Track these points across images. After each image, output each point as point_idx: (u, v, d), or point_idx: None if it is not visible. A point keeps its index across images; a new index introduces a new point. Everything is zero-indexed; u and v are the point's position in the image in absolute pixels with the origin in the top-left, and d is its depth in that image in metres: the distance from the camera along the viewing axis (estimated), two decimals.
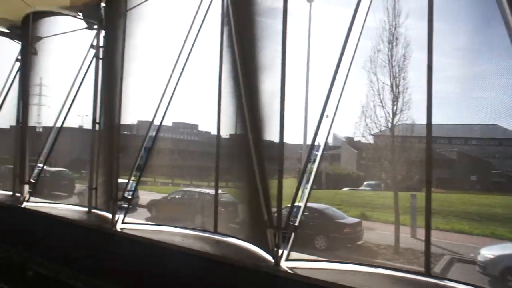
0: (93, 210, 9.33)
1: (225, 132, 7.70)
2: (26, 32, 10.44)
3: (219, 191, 12.43)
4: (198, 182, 17.26)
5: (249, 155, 6.43)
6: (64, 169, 16.20)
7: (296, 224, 5.94)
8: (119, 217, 8.10)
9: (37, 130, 13.80)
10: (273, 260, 5.93)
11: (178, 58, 7.87)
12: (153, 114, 8.13)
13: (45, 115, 14.54)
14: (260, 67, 6.54)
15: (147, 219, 12.72)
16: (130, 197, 8.22)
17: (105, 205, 8.84)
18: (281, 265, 5.85)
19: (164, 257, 7.05)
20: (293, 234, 5.95)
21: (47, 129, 12.28)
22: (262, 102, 6.40)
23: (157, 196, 14.29)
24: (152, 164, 8.76)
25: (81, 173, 17.15)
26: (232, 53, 6.93)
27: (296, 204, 6.06)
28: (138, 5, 8.32)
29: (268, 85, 6.43)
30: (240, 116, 6.83)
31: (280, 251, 5.89)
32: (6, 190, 11.69)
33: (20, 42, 10.85)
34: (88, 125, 13.19)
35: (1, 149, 14.19)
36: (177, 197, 13.31)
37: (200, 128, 20.77)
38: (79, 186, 16.39)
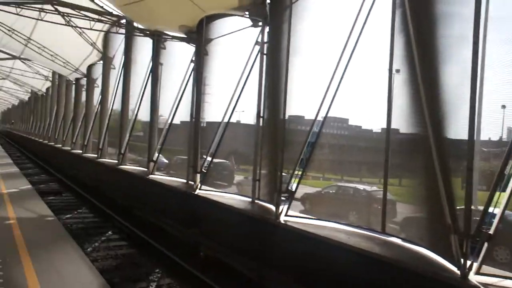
0: (256, 201, 9.73)
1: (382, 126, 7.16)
2: (200, 35, 11.48)
3: (375, 188, 11.75)
4: (349, 177, 16.73)
5: (427, 151, 5.79)
6: (224, 161, 17.49)
7: (491, 232, 5.09)
8: (283, 209, 8.25)
9: (202, 125, 15.24)
10: (458, 272, 5.24)
11: (343, 49, 7.57)
12: (317, 109, 8.04)
13: (207, 111, 16.04)
14: (441, 55, 5.80)
15: (300, 212, 12.83)
16: (293, 190, 8.31)
17: (268, 196, 9.12)
18: (470, 279, 5.12)
19: (329, 253, 6.90)
20: (485, 244, 5.13)
21: (210, 124, 13.44)
22: (444, 94, 5.67)
23: (309, 189, 14.30)
24: (305, 158, 8.74)
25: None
26: (407, 38, 6.32)
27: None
28: None
29: (451, 76, 5.67)
30: (416, 107, 6.19)
31: (469, 262, 5.16)
32: (181, 178, 13.18)
33: (194, 45, 12.00)
34: (244, 119, 14.04)
35: (175, 142, 16.10)
36: (331, 192, 13.07)
37: (350, 122, 20.14)
38: (237, 177, 17.60)
